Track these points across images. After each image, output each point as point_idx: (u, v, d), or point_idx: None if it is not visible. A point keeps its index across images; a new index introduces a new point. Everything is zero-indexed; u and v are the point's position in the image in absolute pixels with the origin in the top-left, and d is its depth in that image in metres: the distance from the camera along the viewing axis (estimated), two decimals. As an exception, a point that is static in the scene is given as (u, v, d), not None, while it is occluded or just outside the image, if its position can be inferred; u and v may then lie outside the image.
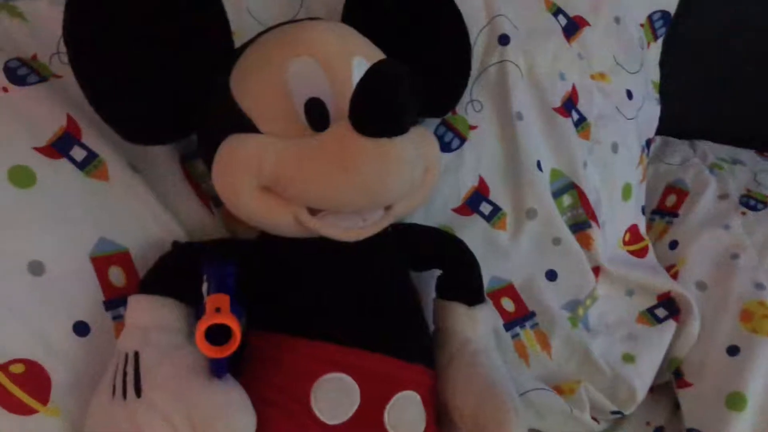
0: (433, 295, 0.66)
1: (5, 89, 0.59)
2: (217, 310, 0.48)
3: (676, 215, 0.91)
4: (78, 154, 0.59)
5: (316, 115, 0.53)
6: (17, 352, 0.53)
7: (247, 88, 0.54)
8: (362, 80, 0.45)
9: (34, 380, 0.54)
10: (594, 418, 0.73)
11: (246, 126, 0.53)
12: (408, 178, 0.51)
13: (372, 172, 0.48)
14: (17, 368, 0.53)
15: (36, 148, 0.57)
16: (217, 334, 0.48)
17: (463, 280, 0.65)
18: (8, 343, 0.53)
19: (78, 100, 0.60)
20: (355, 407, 0.53)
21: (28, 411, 0.53)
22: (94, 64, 0.52)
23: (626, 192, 0.84)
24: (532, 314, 0.75)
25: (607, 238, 0.80)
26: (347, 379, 0.53)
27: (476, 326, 0.62)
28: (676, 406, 0.76)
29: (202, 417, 0.48)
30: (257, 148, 0.51)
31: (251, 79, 0.54)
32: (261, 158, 0.51)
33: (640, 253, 0.84)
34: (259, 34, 0.58)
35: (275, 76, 0.53)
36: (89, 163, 0.59)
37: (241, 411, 0.49)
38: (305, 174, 0.50)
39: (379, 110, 0.46)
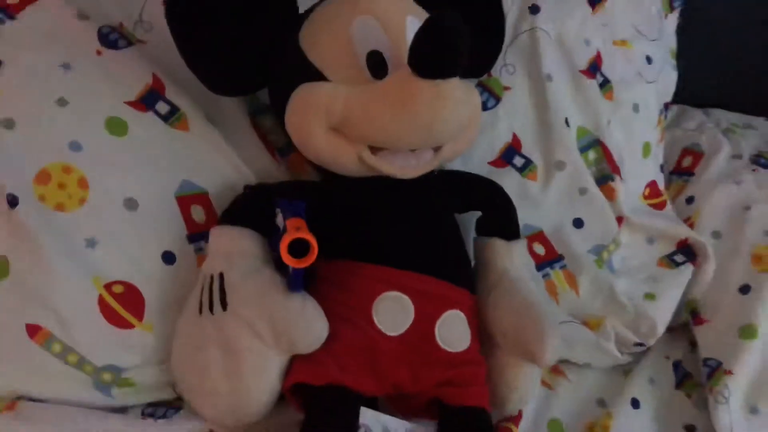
0: (473, 235, 0.73)
1: (99, 52, 0.67)
2: (297, 229, 0.56)
3: (692, 174, 0.97)
4: (162, 108, 0.67)
5: (377, 64, 0.60)
6: (118, 275, 0.61)
7: (316, 43, 0.61)
8: (422, 27, 0.51)
9: (132, 299, 0.61)
10: (618, 352, 0.79)
11: (316, 76, 0.60)
12: (459, 116, 0.58)
13: (429, 109, 0.55)
14: (118, 288, 0.61)
15: (127, 102, 0.65)
16: (296, 252, 0.55)
17: (502, 219, 0.71)
18: (111, 267, 0.61)
19: (161, 62, 0.68)
20: (410, 321, 0.60)
21: (127, 325, 0.61)
22: (187, 26, 0.60)
23: (646, 150, 0.90)
24: (561, 257, 0.81)
25: (629, 191, 0.87)
26: (403, 297, 0.60)
27: (513, 258, 0.69)
28: (693, 346, 0.82)
29: (282, 323, 0.55)
30: (327, 93, 0.58)
31: (320, 36, 0.61)
32: (330, 102, 0.58)
33: (659, 206, 0.91)
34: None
35: (341, 33, 0.61)
36: (172, 116, 0.67)
37: (316, 317, 0.56)
38: (370, 114, 0.57)
39: (437, 52, 0.52)
